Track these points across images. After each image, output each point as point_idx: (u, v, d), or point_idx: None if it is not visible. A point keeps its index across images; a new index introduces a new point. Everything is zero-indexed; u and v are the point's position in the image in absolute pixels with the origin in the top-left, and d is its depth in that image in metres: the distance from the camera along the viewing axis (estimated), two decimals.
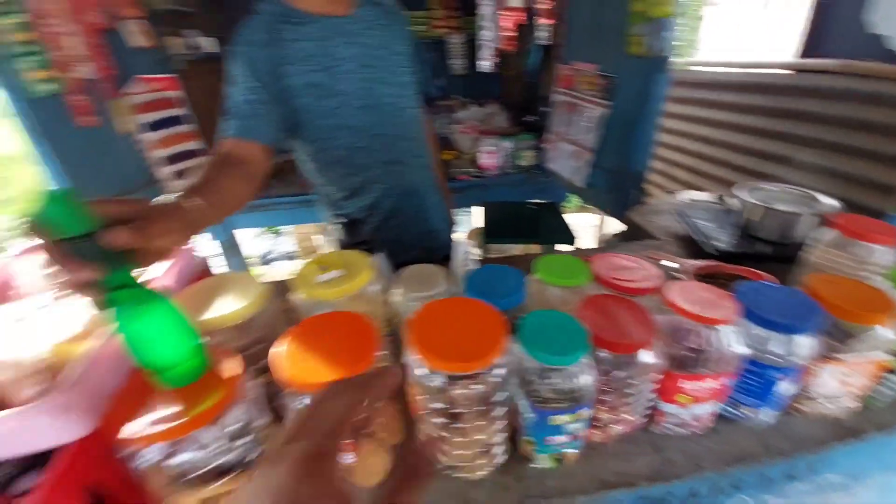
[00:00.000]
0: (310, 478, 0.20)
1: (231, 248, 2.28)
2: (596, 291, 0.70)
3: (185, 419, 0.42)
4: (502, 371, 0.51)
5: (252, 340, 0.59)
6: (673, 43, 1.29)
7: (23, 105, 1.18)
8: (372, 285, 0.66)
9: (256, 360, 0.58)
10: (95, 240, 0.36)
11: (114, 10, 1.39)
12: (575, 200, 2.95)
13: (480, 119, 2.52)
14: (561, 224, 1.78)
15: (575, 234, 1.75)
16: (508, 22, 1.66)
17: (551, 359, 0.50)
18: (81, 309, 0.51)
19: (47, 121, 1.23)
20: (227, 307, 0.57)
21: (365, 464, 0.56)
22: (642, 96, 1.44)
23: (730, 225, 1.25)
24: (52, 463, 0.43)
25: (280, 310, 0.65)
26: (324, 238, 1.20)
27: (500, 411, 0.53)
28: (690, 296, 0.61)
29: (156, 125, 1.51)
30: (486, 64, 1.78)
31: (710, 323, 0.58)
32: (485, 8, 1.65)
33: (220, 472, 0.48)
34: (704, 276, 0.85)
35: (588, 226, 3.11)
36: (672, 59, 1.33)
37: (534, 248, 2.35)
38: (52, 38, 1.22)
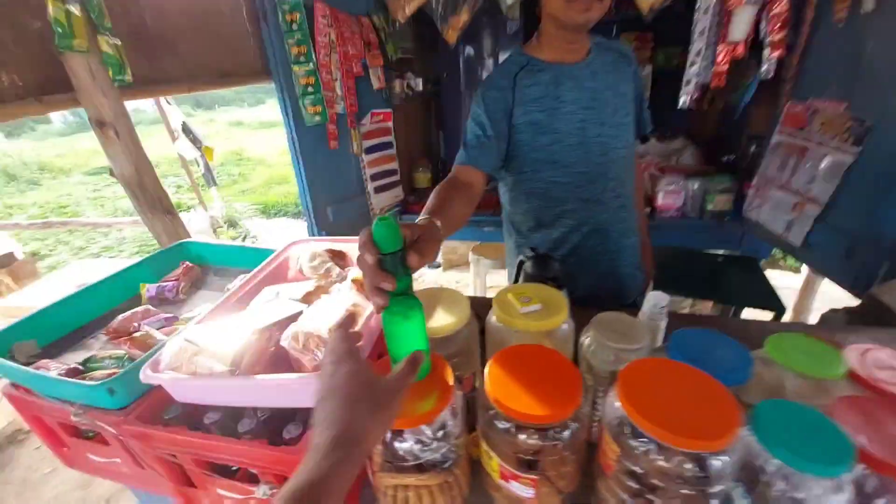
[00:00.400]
0: (337, 365, 0.41)
1: None
2: (848, 391, 0.56)
3: (413, 413, 0.50)
4: (727, 459, 0.45)
5: (453, 352, 0.66)
6: None
7: (299, 131, 1.60)
8: (566, 324, 0.67)
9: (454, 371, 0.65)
10: (400, 257, 0.46)
11: (367, 62, 1.79)
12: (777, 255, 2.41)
13: (663, 154, 2.32)
14: (763, 285, 1.48)
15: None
16: (724, 56, 1.49)
17: (804, 464, 0.42)
18: (342, 299, 0.65)
19: (312, 143, 1.64)
20: (438, 320, 0.65)
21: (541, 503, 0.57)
22: None
23: None
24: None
25: (476, 328, 0.71)
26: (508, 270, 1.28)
27: None
28: None
29: (371, 149, 1.87)
30: (685, 99, 1.63)
31: None
32: (697, 43, 1.52)
33: (418, 467, 0.55)
34: None
35: (784, 288, 2.50)
36: None
37: (703, 307, 2.01)
38: (326, 83, 1.64)
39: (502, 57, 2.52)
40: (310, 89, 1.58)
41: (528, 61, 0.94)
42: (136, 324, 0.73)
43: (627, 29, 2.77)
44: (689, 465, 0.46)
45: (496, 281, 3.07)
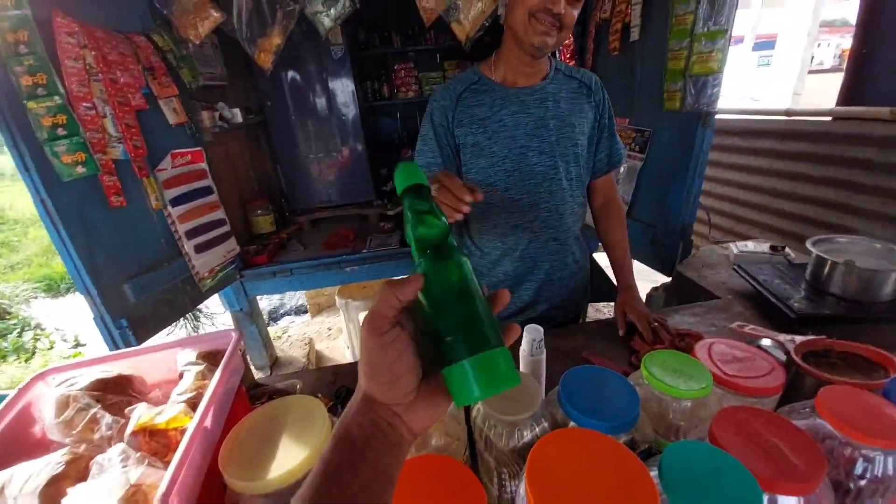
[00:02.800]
0: (365, 326, 0.31)
1: (249, 316, 2.19)
2: (720, 398, 0.59)
3: None
4: None
5: None
6: (716, 99, 1.25)
7: (52, 189, 1.14)
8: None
9: None
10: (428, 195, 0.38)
11: (151, 91, 1.40)
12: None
13: None
14: (601, 278, 1.68)
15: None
16: None
17: None
18: (111, 481, 0.40)
19: (79, 203, 1.19)
20: (290, 454, 0.46)
21: None
22: (683, 149, 1.39)
23: (803, 281, 1.15)
24: None
25: None
26: None
27: None
28: (848, 407, 0.50)
29: (181, 199, 1.48)
30: None
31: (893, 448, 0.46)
32: None
33: None
34: (811, 355, 0.74)
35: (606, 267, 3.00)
36: (715, 113, 1.29)
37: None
38: (88, 120, 1.20)
39: (332, 82, 2.38)
40: (60, 131, 1.15)
41: (479, 79, 0.94)
42: None
43: (450, 57, 2.95)
44: None
45: None
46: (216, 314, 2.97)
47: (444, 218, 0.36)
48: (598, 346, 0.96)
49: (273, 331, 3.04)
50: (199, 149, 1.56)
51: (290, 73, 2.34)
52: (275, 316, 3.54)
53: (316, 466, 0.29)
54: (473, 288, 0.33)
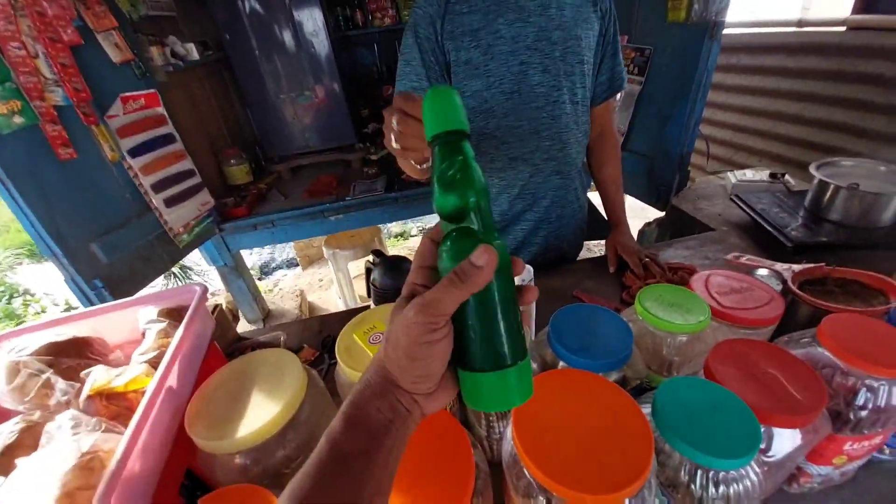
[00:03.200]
0: (416, 318, 0.27)
1: (235, 270, 2.14)
2: (716, 330, 0.57)
3: None
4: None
5: (294, 450, 0.45)
6: (727, 6, 1.12)
7: None
8: None
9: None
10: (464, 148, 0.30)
11: (86, 23, 1.21)
12: None
13: None
14: (594, 215, 1.62)
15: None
16: None
17: (715, 461, 0.36)
18: (62, 450, 0.37)
19: (26, 158, 1.07)
20: (261, 411, 0.43)
21: None
22: (685, 68, 1.28)
23: (802, 209, 1.11)
24: None
25: (323, 394, 0.52)
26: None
27: None
28: (852, 336, 0.48)
29: (140, 149, 1.35)
30: None
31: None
32: None
33: None
34: (808, 283, 0.71)
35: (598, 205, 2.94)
36: (724, 23, 1.16)
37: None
38: (19, 62, 1.05)
39: (297, 10, 2.13)
40: None
41: None
42: None
43: None
44: None
45: (361, 268, 2.85)
46: (206, 271, 2.92)
47: (480, 178, 0.29)
48: (588, 284, 0.94)
49: (265, 284, 3.02)
50: (152, 91, 1.40)
51: (248, 1, 2.08)
52: (266, 270, 3.51)
53: (322, 447, 0.27)
54: (504, 284, 0.28)
